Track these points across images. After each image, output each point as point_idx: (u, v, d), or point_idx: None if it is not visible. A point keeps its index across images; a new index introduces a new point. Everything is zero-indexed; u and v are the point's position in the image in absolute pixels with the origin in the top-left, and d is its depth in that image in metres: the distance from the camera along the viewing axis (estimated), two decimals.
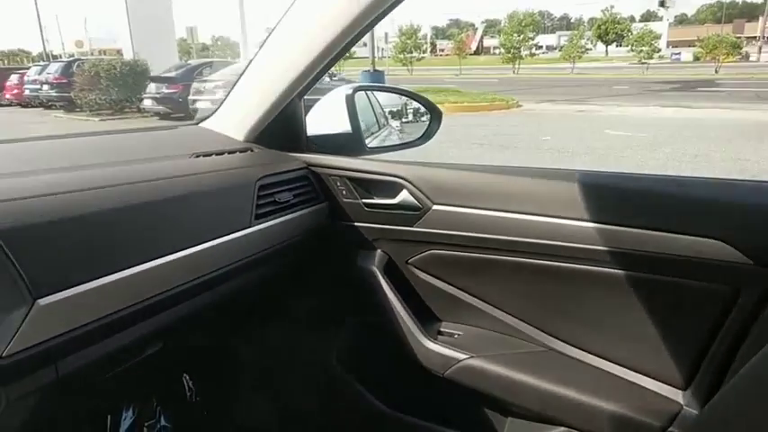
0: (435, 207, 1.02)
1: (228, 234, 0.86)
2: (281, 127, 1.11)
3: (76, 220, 0.66)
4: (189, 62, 15.20)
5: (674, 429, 0.85)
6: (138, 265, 0.70)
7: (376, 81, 13.15)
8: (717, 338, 0.84)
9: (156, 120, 12.22)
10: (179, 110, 11.72)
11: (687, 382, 0.88)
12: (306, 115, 1.17)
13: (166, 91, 12.20)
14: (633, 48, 31.15)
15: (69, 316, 0.63)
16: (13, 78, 17.92)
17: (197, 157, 0.97)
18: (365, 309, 1.14)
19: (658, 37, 32.79)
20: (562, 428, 0.95)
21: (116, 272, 0.67)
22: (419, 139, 1.33)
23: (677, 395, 0.89)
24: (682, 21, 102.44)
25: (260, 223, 0.94)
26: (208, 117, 1.18)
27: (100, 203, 0.70)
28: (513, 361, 0.98)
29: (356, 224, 1.11)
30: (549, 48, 75.34)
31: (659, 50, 31.94)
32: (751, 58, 38.54)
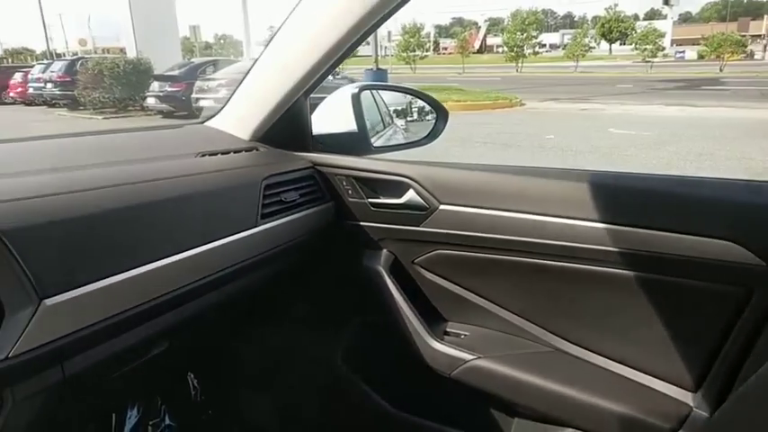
0: (442, 207, 1.02)
1: (235, 234, 0.86)
2: (287, 126, 1.10)
3: (82, 219, 0.66)
4: (192, 60, 15.25)
5: None
6: (144, 265, 0.70)
7: (379, 79, 13.14)
8: (728, 340, 0.83)
9: (160, 118, 12.24)
10: (182, 108, 11.74)
11: (697, 384, 0.88)
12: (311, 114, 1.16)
13: (169, 89, 12.21)
14: (637, 46, 31.00)
15: (76, 316, 0.63)
16: (17, 77, 17.95)
17: (202, 156, 0.97)
18: (371, 308, 1.14)
19: (662, 35, 32.68)
20: (569, 430, 0.95)
21: (122, 272, 0.67)
22: (425, 138, 1.33)
23: (687, 397, 0.88)
24: (686, 19, 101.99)
25: (266, 223, 0.93)
26: (213, 116, 1.18)
27: (106, 203, 0.70)
28: (520, 362, 0.98)
29: (362, 224, 1.11)
30: (553, 46, 75.03)
31: (663, 49, 31.80)
32: (756, 57, 38.37)
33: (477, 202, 0.99)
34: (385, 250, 1.11)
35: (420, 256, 1.09)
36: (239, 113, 1.13)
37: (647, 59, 28.63)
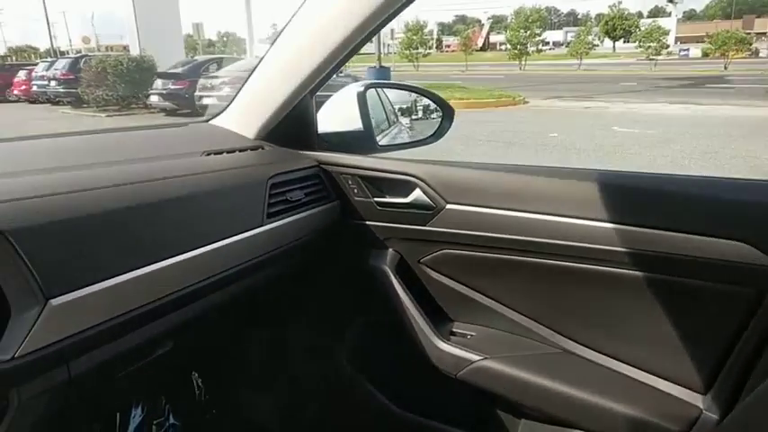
0: (449, 206, 1.01)
1: (241, 233, 0.85)
2: (293, 124, 1.10)
3: (88, 219, 0.65)
4: (195, 58, 15.25)
5: None
6: (150, 264, 0.69)
7: (382, 77, 13.12)
8: (739, 342, 0.82)
9: (163, 116, 12.26)
10: (185, 106, 11.76)
11: (707, 387, 0.87)
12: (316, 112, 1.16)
13: (173, 87, 12.23)
14: (641, 44, 30.85)
15: (81, 316, 0.62)
16: (21, 74, 18.01)
17: (208, 155, 0.96)
18: (376, 308, 1.13)
19: (666, 33, 32.47)
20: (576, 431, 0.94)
21: (128, 272, 0.66)
22: (431, 136, 1.32)
23: (697, 399, 0.87)
24: (690, 17, 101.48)
25: (272, 222, 0.93)
26: (218, 114, 1.17)
27: (112, 203, 0.69)
28: (528, 363, 0.97)
29: (368, 223, 1.10)
30: (556, 44, 74.87)
31: (667, 47, 31.61)
32: (761, 55, 38.15)
33: (484, 202, 0.98)
34: (391, 250, 1.11)
35: (426, 256, 1.09)
36: (244, 112, 1.12)
37: (651, 57, 28.49)
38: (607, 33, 56.15)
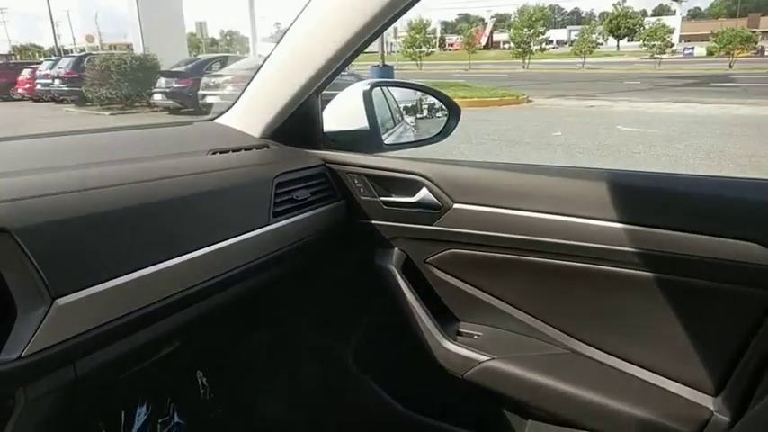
0: (456, 206, 1.00)
1: (247, 232, 0.85)
2: (298, 123, 1.09)
3: (94, 218, 0.65)
4: (198, 57, 15.25)
5: None
6: (155, 264, 0.69)
7: (385, 76, 13.10)
8: (750, 343, 0.81)
9: (166, 114, 12.28)
10: (189, 104, 11.78)
11: (718, 388, 0.86)
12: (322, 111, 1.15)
13: (176, 86, 12.24)
14: (645, 42, 30.74)
15: (88, 315, 0.62)
16: (25, 73, 18.11)
17: (213, 153, 0.96)
18: (382, 308, 1.13)
19: (671, 31, 32.37)
20: None
21: (134, 271, 0.66)
22: (437, 135, 1.31)
23: (707, 401, 0.86)
24: (695, 15, 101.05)
25: (278, 221, 0.92)
26: (223, 113, 1.17)
27: (118, 202, 0.69)
28: (535, 363, 0.96)
29: (374, 222, 1.09)
30: (560, 42, 74.59)
31: (672, 45, 31.54)
32: (766, 53, 37.94)
33: (491, 201, 0.97)
34: (397, 249, 1.10)
35: (433, 256, 1.08)
36: (250, 111, 1.12)
37: (656, 56, 28.40)
38: (611, 32, 55.95)
